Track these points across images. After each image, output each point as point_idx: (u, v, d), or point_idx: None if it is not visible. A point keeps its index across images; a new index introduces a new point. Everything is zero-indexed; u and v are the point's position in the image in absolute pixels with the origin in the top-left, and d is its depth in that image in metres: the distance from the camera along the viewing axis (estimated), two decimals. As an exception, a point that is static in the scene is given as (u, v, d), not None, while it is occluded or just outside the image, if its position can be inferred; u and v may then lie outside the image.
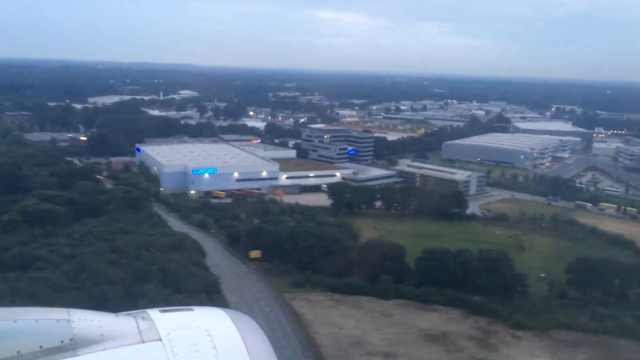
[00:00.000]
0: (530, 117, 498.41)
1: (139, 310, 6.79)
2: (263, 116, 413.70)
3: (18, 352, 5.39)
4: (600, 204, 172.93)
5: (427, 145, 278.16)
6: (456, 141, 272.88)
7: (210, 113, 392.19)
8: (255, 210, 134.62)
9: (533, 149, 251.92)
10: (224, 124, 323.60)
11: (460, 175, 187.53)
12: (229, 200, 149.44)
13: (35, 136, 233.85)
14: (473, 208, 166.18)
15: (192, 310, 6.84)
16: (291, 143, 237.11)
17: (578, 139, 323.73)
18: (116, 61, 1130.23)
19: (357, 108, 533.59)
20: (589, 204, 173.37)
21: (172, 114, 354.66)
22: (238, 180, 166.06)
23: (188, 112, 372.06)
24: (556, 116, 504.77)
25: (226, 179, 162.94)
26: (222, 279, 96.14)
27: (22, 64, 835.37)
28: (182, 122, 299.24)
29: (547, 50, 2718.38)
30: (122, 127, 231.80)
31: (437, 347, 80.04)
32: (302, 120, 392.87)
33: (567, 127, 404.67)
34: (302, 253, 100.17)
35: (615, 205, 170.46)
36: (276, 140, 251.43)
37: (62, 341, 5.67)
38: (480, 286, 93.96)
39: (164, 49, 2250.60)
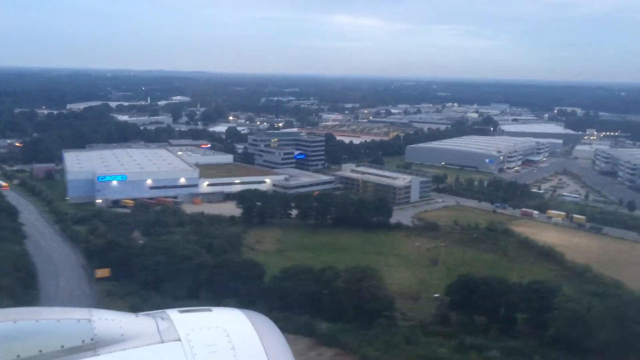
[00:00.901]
0: (525, 119, 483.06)
1: (159, 311, 6.69)
2: (242, 120, 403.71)
3: (40, 351, 5.38)
4: (548, 211, 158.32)
5: (394, 148, 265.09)
6: (420, 145, 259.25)
7: (185, 118, 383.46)
8: (146, 222, 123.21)
9: (500, 152, 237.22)
10: (194, 128, 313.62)
11: (401, 180, 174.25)
12: (128, 211, 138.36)
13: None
14: (406, 216, 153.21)
15: (211, 310, 6.77)
16: (241, 148, 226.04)
17: (560, 141, 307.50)
18: (129, 69, 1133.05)
19: (347, 112, 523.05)
20: (536, 212, 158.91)
21: (143, 119, 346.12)
22: (153, 187, 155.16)
23: (161, 117, 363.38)
24: (555, 118, 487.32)
25: (138, 186, 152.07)
26: (55, 302, 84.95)
27: (30, 72, 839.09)
28: (143, 127, 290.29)
29: (564, 53, 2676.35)
30: (63, 133, 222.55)
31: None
32: (279, 124, 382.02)
33: (558, 129, 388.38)
34: (149, 272, 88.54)
35: (564, 213, 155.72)
36: (237, 146, 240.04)
37: (83, 341, 5.67)
38: (340, 311, 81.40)
39: (179, 57, 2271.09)
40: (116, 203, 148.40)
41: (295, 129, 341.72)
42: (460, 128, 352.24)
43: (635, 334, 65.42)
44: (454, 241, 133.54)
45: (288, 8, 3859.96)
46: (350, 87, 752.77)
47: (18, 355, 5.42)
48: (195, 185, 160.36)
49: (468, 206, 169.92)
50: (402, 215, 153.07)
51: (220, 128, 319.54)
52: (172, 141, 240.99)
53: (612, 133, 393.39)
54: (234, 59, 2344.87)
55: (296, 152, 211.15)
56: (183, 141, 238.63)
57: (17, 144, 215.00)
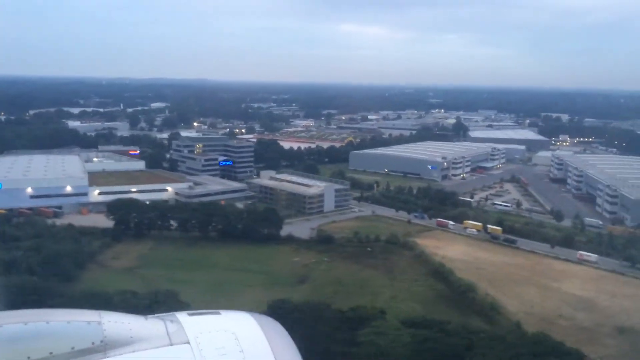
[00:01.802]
0: (503, 124, 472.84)
1: (168, 314, 6.67)
2: (206, 127, 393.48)
3: (50, 353, 5.42)
4: (465, 222, 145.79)
5: (343, 155, 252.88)
6: (363, 151, 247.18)
7: (143, 124, 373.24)
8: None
9: (445, 159, 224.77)
10: (139, 134, 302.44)
11: (313, 189, 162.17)
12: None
13: None
14: (309, 227, 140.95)
15: (219, 313, 6.78)
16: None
17: (522, 147, 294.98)
18: (129, 77, 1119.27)
19: (323, 118, 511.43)
20: (452, 223, 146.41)
21: (95, 125, 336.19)
22: (34, 197, 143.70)
23: (116, 124, 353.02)
24: (536, 124, 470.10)
25: (15, 195, 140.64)
26: None
27: (24, 80, 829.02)
28: (90, 133, 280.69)
29: (571, 60, 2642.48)
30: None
31: None
32: (240, 129, 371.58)
33: (530, 134, 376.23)
34: None
35: (480, 224, 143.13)
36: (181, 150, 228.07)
37: (93, 343, 5.69)
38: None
39: (183, 65, 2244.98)
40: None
41: (250, 136, 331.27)
42: (422, 134, 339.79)
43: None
44: (343, 256, 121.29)
45: (295, 17, 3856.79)
46: (344, 95, 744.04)
47: (29, 357, 5.34)
48: (85, 194, 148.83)
49: (384, 216, 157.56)
50: (304, 227, 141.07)
51: (162, 135, 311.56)
52: (101, 147, 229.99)
53: (587, 139, 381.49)
54: (240, 67, 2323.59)
55: (221, 159, 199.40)
56: (112, 147, 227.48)
57: None
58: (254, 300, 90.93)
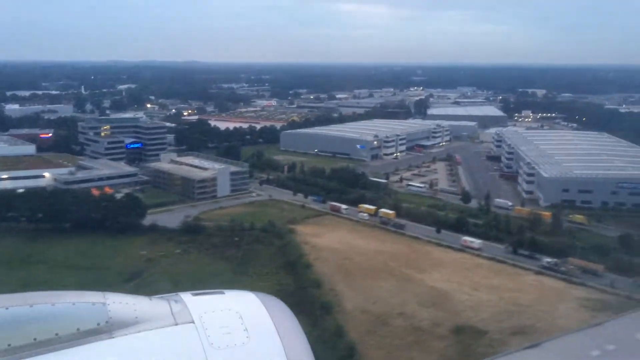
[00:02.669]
0: (470, 101, 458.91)
1: (172, 294, 6.68)
2: (157, 108, 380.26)
3: (56, 334, 5.45)
4: (360, 205, 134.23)
5: (277, 135, 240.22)
6: (294, 131, 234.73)
7: (90, 106, 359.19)
8: None
9: (377, 137, 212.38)
10: (74, 116, 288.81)
11: (206, 172, 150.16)
12: None
13: None
14: (188, 214, 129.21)
15: (223, 293, 6.76)
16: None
17: (474, 124, 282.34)
18: (121, 60, 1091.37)
19: (289, 98, 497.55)
20: (345, 206, 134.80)
21: (35, 107, 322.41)
22: None
23: (58, 106, 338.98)
24: (506, 100, 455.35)
25: None
26: None
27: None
28: (19, 116, 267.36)
29: (570, 36, 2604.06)
30: None
31: None
32: (189, 110, 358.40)
33: (491, 110, 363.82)
34: None
35: (374, 208, 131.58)
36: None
37: (98, 323, 5.71)
38: None
39: (175, 48, 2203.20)
40: None
41: (197, 117, 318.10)
42: (374, 112, 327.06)
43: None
44: (204, 247, 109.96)
45: None
46: (328, 74, 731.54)
47: (35, 338, 5.36)
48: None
49: (281, 200, 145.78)
50: (182, 214, 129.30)
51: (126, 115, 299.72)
52: (15, 130, 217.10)
53: (551, 114, 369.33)
54: (234, 49, 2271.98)
55: (128, 141, 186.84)
56: (24, 131, 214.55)
57: None
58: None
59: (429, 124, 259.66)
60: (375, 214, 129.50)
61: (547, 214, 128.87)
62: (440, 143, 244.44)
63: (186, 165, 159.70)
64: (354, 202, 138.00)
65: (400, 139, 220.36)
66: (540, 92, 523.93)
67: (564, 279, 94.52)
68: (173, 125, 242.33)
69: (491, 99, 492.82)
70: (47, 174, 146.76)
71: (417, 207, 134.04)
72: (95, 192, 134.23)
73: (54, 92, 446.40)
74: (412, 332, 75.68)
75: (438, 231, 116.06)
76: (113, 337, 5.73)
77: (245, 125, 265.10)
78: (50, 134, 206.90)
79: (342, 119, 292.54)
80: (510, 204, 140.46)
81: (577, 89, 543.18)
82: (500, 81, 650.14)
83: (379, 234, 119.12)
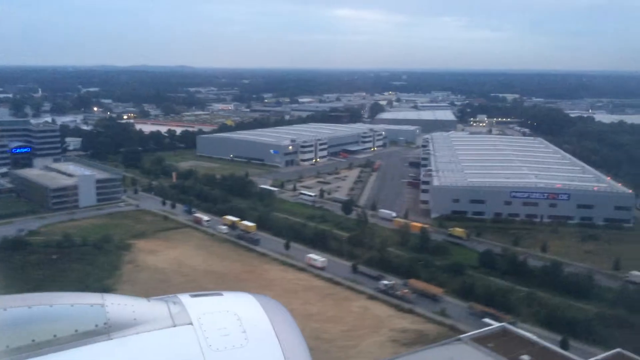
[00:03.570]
0: (431, 105, 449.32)
1: (170, 295, 6.65)
2: (101, 110, 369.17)
3: (54, 335, 5.45)
4: (224, 217, 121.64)
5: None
6: (211, 135, 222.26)
7: (29, 110, 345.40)
8: None
9: (294, 142, 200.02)
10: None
11: (68, 180, 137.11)
12: None
13: None
14: (31, 227, 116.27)
15: (222, 295, 6.72)
16: None
17: (414, 128, 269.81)
18: (112, 65, 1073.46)
19: (252, 102, 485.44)
20: (206, 218, 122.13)
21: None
22: None
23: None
24: (471, 105, 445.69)
25: None
26: None
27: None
28: None
29: (567, 42, 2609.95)
30: None
31: None
32: (130, 114, 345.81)
33: (445, 115, 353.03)
34: None
35: (236, 219, 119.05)
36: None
37: (96, 325, 5.69)
38: None
39: (172, 52, 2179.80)
40: None
41: (133, 120, 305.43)
42: (316, 115, 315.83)
43: None
44: (12, 267, 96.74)
45: (291, 3, 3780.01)
46: (307, 79, 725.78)
47: (33, 340, 5.35)
48: None
49: (148, 211, 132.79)
50: (24, 227, 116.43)
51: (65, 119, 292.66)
52: None
53: (507, 119, 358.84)
54: (229, 54, 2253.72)
55: (14, 145, 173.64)
56: None
57: None
58: None
59: (363, 128, 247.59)
60: (234, 227, 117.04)
61: (426, 227, 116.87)
62: (370, 148, 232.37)
63: (57, 173, 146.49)
64: (225, 213, 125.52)
65: (321, 144, 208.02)
66: (512, 97, 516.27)
67: (395, 304, 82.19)
68: (88, 128, 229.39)
69: (456, 103, 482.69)
70: None
71: (286, 219, 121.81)
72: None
73: (1, 96, 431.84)
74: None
75: (287, 247, 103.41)
76: (111, 339, 5.66)
77: (179, 130, 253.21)
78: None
79: (278, 123, 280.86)
80: (393, 214, 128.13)
81: (552, 94, 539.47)
82: (478, 86, 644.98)
83: (227, 250, 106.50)
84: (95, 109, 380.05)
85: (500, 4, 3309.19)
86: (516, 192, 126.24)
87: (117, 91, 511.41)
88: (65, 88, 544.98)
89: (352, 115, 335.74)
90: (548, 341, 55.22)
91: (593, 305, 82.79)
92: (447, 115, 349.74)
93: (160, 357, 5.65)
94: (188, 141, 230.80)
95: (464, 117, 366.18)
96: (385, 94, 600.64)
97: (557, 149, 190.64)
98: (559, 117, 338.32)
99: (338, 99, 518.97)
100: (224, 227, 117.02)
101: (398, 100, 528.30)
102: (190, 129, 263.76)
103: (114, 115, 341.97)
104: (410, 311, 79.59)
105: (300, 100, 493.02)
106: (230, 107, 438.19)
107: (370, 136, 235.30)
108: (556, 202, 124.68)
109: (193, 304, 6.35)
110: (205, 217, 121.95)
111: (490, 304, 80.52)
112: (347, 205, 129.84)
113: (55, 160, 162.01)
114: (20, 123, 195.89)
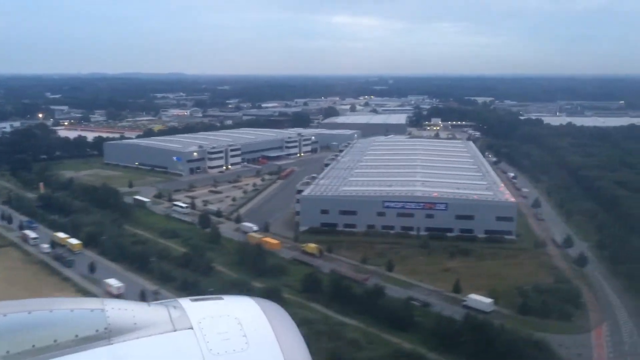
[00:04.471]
0: (394, 109, 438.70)
1: (171, 300, 6.59)
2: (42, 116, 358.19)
3: (55, 340, 5.39)
4: (55, 234, 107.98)
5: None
6: (118, 142, 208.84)
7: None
8: None
9: (201, 148, 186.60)
10: None
11: None
12: None
13: None
14: None
15: (222, 299, 6.65)
16: None
17: (353, 132, 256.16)
18: (98, 72, 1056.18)
19: (215, 108, 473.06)
20: (33, 235, 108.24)
21: None
22: None
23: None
24: (435, 109, 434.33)
25: None
26: None
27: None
28: None
29: (563, 46, 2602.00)
30: None
31: None
32: (69, 121, 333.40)
33: (395, 119, 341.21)
34: None
35: (65, 236, 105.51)
36: None
37: (97, 330, 5.63)
38: None
39: (169, 60, 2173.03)
40: None
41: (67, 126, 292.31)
42: (256, 120, 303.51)
43: None
44: None
45: (288, 10, 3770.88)
46: (290, 84, 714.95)
47: (33, 345, 5.30)
48: None
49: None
50: None
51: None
52: None
53: (463, 122, 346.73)
54: (225, 61, 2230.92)
55: None
56: None
57: None
58: None
59: (290, 133, 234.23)
60: (61, 245, 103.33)
61: (274, 243, 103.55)
62: (296, 154, 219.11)
63: None
64: (72, 228, 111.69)
65: (234, 150, 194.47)
66: (483, 100, 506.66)
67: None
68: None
69: (422, 106, 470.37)
70: None
71: (134, 235, 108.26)
72: None
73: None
74: None
75: (91, 270, 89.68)
76: (112, 344, 5.62)
77: (104, 135, 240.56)
78: None
79: (210, 128, 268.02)
80: (255, 228, 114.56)
81: (527, 97, 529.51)
82: (458, 90, 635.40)
83: (30, 274, 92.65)
84: (40, 115, 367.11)
85: (498, 10, 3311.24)
86: (389, 202, 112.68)
87: (80, 98, 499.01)
88: (33, 95, 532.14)
89: (300, 120, 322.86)
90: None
91: (408, 338, 69.49)
92: (400, 119, 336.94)
93: None
94: (101, 148, 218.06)
95: (419, 120, 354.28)
96: (361, 98, 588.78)
97: (477, 153, 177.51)
98: (510, 119, 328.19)
99: (305, 104, 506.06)
100: (46, 245, 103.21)
101: (367, 104, 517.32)
102: (119, 135, 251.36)
103: (48, 122, 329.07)
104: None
105: (264, 105, 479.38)
106: (187, 112, 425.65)
107: (295, 141, 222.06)
108: (433, 212, 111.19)
109: (193, 308, 6.17)
110: (32, 234, 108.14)
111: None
112: (204, 219, 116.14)
113: None
114: None
